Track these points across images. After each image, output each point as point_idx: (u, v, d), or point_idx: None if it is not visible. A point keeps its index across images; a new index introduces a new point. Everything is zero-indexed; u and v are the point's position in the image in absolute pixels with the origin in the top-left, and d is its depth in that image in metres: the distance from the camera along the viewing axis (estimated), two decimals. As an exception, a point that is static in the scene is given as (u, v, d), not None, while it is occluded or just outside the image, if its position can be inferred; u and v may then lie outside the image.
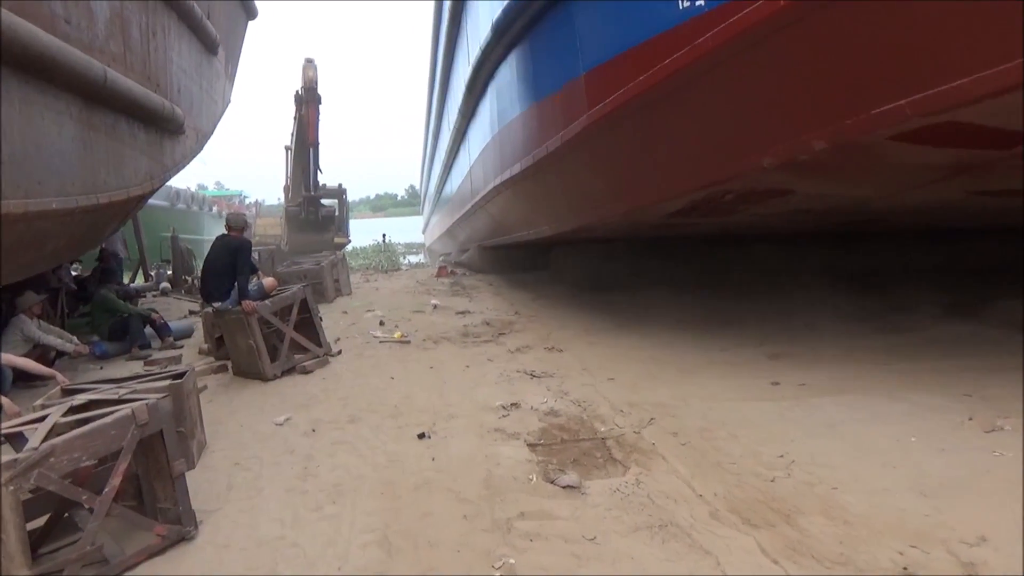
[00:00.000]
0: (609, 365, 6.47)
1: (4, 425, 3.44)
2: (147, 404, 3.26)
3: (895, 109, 4.63)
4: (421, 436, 4.58)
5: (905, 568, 2.77)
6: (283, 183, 28.50)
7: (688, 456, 4.07)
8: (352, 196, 29.99)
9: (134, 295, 11.54)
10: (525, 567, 2.92)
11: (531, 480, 3.77)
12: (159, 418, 3.30)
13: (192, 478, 3.88)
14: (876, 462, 3.83)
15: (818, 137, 5.24)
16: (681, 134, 6.25)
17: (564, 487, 3.68)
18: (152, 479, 3.43)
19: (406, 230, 49.60)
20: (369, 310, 10.67)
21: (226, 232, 7.10)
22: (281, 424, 5.09)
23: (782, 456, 3.97)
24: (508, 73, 9.35)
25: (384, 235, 29.76)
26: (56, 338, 7.24)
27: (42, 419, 3.32)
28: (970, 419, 4.31)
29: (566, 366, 6.51)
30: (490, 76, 10.34)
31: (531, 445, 4.41)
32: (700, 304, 9.74)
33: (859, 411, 4.68)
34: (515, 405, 5.23)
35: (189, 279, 16.33)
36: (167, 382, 4.36)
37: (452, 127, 16.01)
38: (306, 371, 6.71)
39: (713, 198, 6.90)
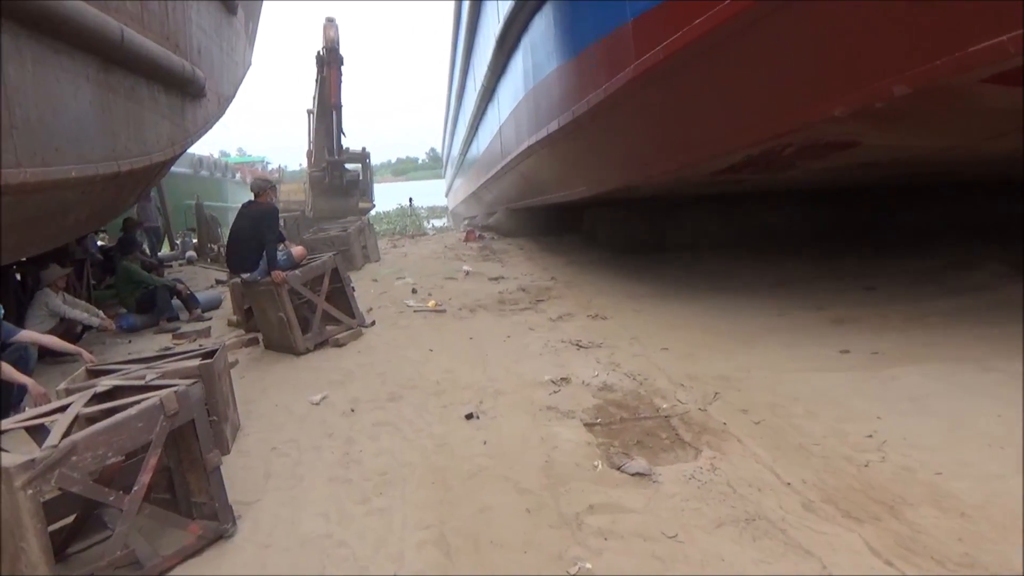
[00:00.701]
0: (659, 333, 6.09)
1: (24, 416, 3.16)
2: (176, 391, 2.96)
3: (995, 46, 4.13)
4: (469, 416, 4.26)
5: (1046, 574, 2.40)
6: (306, 148, 28.12)
7: (765, 437, 3.70)
8: (374, 160, 29.52)
9: (158, 265, 11.32)
10: (602, 570, 2.60)
11: (596, 467, 3.44)
12: (190, 406, 3.00)
13: (227, 465, 3.61)
14: (978, 442, 3.44)
15: (900, 81, 4.75)
16: (742, 82, 5.76)
17: (633, 474, 3.34)
18: (185, 472, 3.15)
19: (428, 194, 49.15)
20: (400, 277, 10.35)
21: (253, 199, 6.76)
22: (317, 403, 4.81)
23: (871, 436, 3.60)
24: (544, 24, 8.81)
25: (411, 199, 29.34)
26: (82, 312, 7.01)
27: (64, 408, 3.04)
28: (1077, 392, 3.88)
29: (613, 335, 6.15)
30: (524, 28, 9.79)
31: (588, 425, 4.08)
32: (745, 265, 9.30)
33: (944, 382, 4.27)
34: (565, 380, 4.89)
35: (215, 247, 16.13)
36: (197, 361, 4.08)
37: (479, 86, 15.46)
38: (339, 344, 6.42)
39: (771, 152, 6.43)
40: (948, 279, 7.43)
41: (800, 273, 8.59)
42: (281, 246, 6.66)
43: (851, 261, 9.12)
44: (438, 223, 33.23)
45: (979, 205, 11.30)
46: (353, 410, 4.62)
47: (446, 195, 43.72)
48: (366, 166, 27.42)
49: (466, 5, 16.88)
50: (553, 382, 4.86)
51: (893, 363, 4.74)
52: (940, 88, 4.73)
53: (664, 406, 4.27)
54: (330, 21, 22.73)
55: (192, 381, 3.17)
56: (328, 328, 6.66)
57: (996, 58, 4.21)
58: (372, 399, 4.79)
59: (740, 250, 10.53)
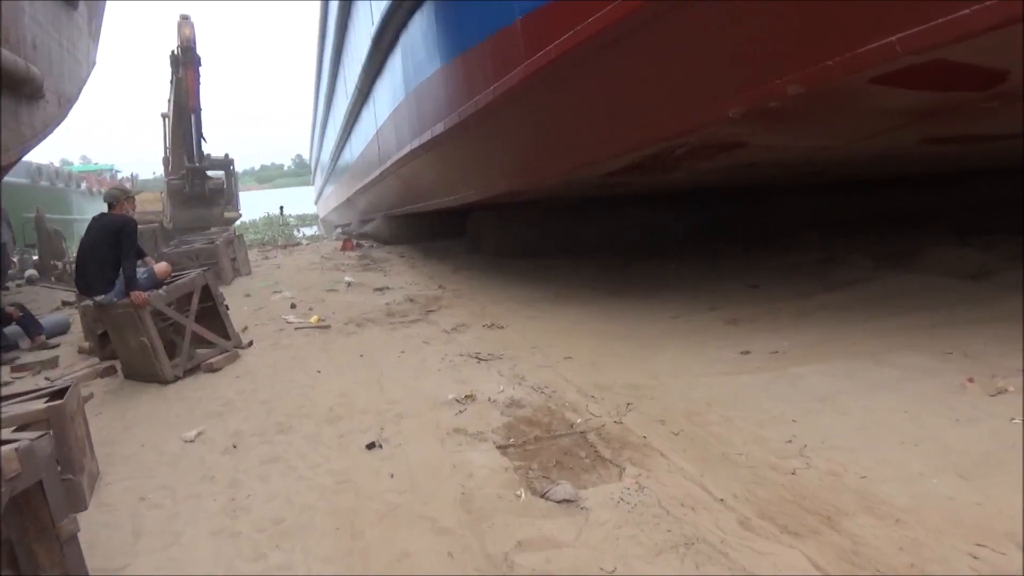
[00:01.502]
0: (560, 342, 5.91)
1: None
2: (18, 449, 2.41)
3: (884, 47, 4.22)
4: (371, 446, 3.86)
5: (994, 581, 2.35)
6: (162, 155, 26.17)
7: (688, 448, 3.56)
8: (237, 168, 27.86)
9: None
10: (543, 621, 2.32)
11: (519, 496, 3.15)
12: (36, 465, 2.45)
13: (86, 525, 3.03)
14: (893, 440, 3.44)
15: (794, 81, 4.79)
16: (638, 82, 5.69)
17: (560, 502, 3.09)
18: (32, 543, 2.58)
19: (297, 201, 47.41)
20: (276, 291, 9.68)
21: (106, 211, 5.99)
22: (192, 440, 4.24)
23: (790, 441, 3.53)
24: (425, 22, 8.47)
25: (281, 207, 27.99)
26: None
27: None
28: (971, 381, 4.01)
29: (513, 345, 5.91)
30: (402, 26, 9.40)
31: (502, 447, 3.80)
32: (630, 267, 9.37)
33: (848, 380, 4.32)
34: (469, 397, 4.58)
35: (60, 264, 14.58)
36: (43, 403, 3.46)
37: (352, 88, 14.86)
38: (214, 369, 5.80)
39: (664, 153, 6.42)
40: (822, 274, 7.75)
41: (684, 273, 8.73)
42: (140, 263, 5.95)
43: (729, 260, 9.39)
44: (309, 231, 31.99)
45: (837, 202, 12.03)
46: (236, 446, 4.10)
47: (316, 202, 42.23)
48: (230, 173, 25.87)
49: (333, 4, 16.22)
50: (457, 400, 4.54)
51: (794, 362, 4.77)
52: (831, 88, 4.82)
53: (578, 421, 4.06)
54: (185, 19, 21.25)
55: (39, 434, 2.61)
56: (200, 352, 6.02)
57: (886, 58, 4.31)
58: (258, 432, 4.28)
59: (624, 252, 10.64)
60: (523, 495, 3.16)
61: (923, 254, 8.12)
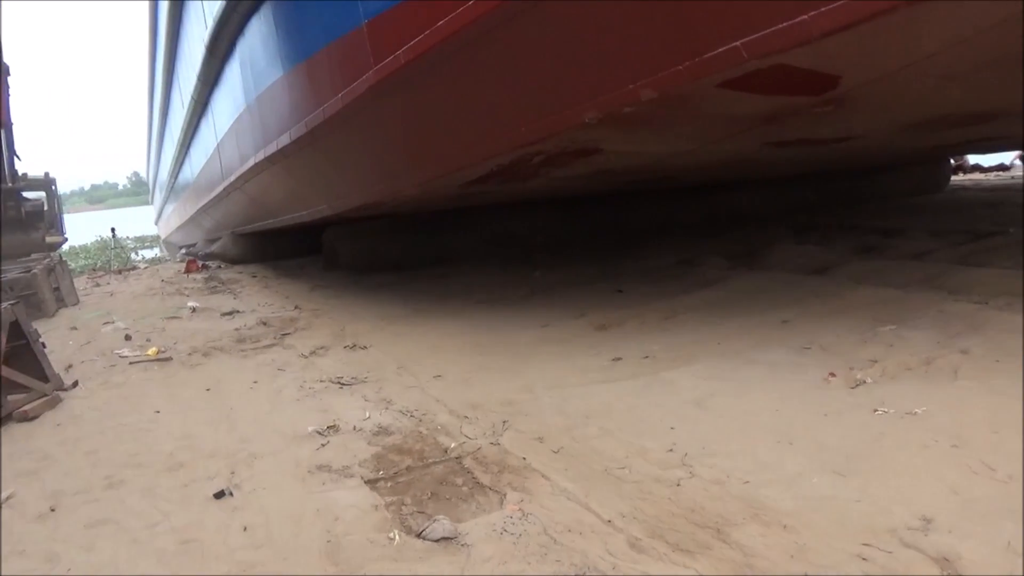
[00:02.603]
0: (427, 359, 5.62)
1: None
2: None
3: (730, 51, 4.31)
4: (220, 495, 3.39)
5: (886, 581, 2.31)
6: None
7: (569, 467, 3.38)
8: (63, 188, 25.37)
9: None
10: None
11: (392, 539, 2.83)
12: None
13: None
14: (769, 440, 3.44)
15: (646, 86, 4.81)
16: (492, 88, 5.53)
17: (438, 540, 2.80)
18: None
19: (134, 222, 44.14)
20: (107, 322, 8.68)
21: None
22: (-1, 506, 3.58)
23: (671, 450, 3.44)
24: (264, 27, 7.91)
25: (113, 229, 25.70)
26: None
27: None
28: (833, 375, 4.12)
29: (378, 366, 5.55)
30: (239, 31, 8.76)
31: (371, 482, 3.46)
32: (494, 278, 9.23)
33: (719, 380, 4.34)
34: (332, 428, 4.19)
35: None
36: None
37: (188, 99, 13.82)
38: (28, 417, 5.01)
39: (522, 161, 6.31)
40: (680, 276, 7.95)
41: (550, 280, 8.70)
42: (-71, 299, 5.07)
43: (590, 265, 9.48)
44: (149, 254, 29.68)
45: (686, 207, 12.55)
46: (54, 509, 3.47)
47: (156, 223, 39.39)
48: (51, 194, 23.40)
49: (163, 7, 15.06)
50: (319, 432, 4.14)
51: (665, 366, 4.76)
52: (681, 93, 4.87)
53: (452, 445, 3.79)
54: (-11, 23, 19.02)
55: None
56: (11, 398, 5.20)
57: (731, 63, 4.39)
58: (81, 489, 3.67)
59: (485, 262, 10.52)
60: (397, 537, 2.85)
61: (769, 252, 8.57)
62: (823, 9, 3.91)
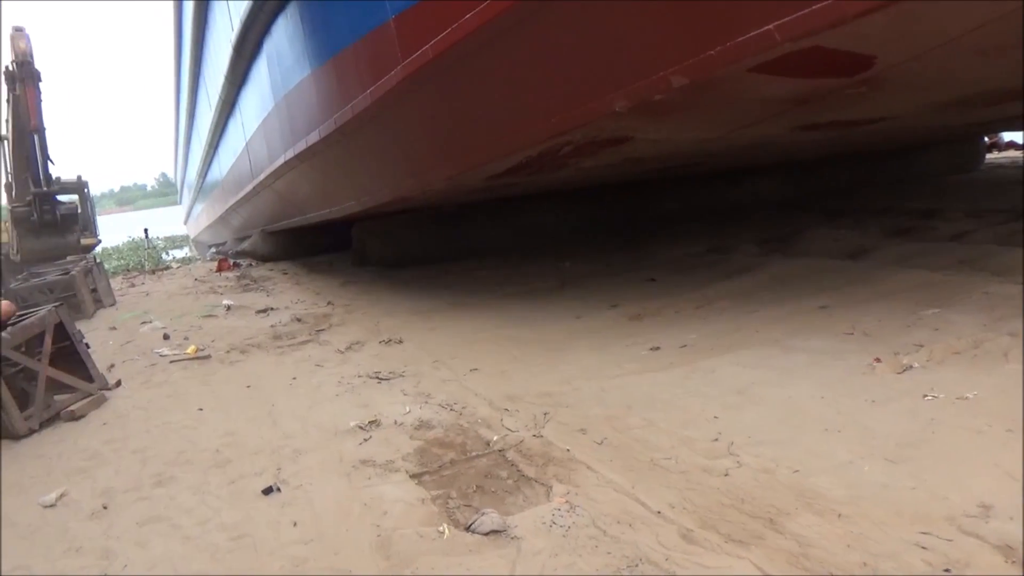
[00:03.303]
0: (463, 353, 5.64)
1: None
2: None
3: (763, 35, 4.24)
4: (268, 491, 3.43)
5: (947, 569, 2.27)
6: (3, 181, 23.78)
7: (614, 458, 3.37)
8: (94, 190, 25.71)
9: None
10: None
11: (442, 532, 2.85)
12: None
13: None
14: (816, 428, 3.40)
15: (678, 72, 4.75)
16: (521, 79, 5.51)
17: (487, 534, 2.81)
18: None
19: (163, 222, 44.77)
20: (145, 322, 8.83)
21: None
22: (53, 504, 3.65)
23: (717, 439, 3.42)
24: (291, 26, 7.95)
25: (145, 230, 26.10)
26: None
27: None
28: (878, 361, 4.05)
29: (414, 360, 5.57)
30: (265, 31, 8.81)
31: (416, 476, 3.48)
32: (523, 270, 9.21)
33: (759, 369, 4.29)
34: (374, 423, 4.22)
35: None
36: None
37: (216, 99, 13.96)
38: (76, 417, 5.12)
39: (551, 151, 6.28)
40: (713, 263, 7.87)
41: (579, 270, 8.67)
42: (-23, 304, 5.19)
43: (619, 255, 9.44)
44: (179, 254, 30.12)
45: (713, 194, 12.40)
46: (106, 507, 3.55)
47: (185, 223, 39.93)
48: (84, 196, 23.78)
49: (189, 7, 15.20)
50: (361, 427, 4.17)
51: (704, 354, 4.72)
52: (713, 78, 4.80)
53: (494, 438, 3.80)
54: (19, 31, 19.29)
55: None
56: (58, 399, 5.31)
57: (764, 47, 4.32)
58: (132, 487, 3.74)
59: (513, 254, 10.50)
60: (446, 531, 2.86)
61: (801, 238, 8.45)
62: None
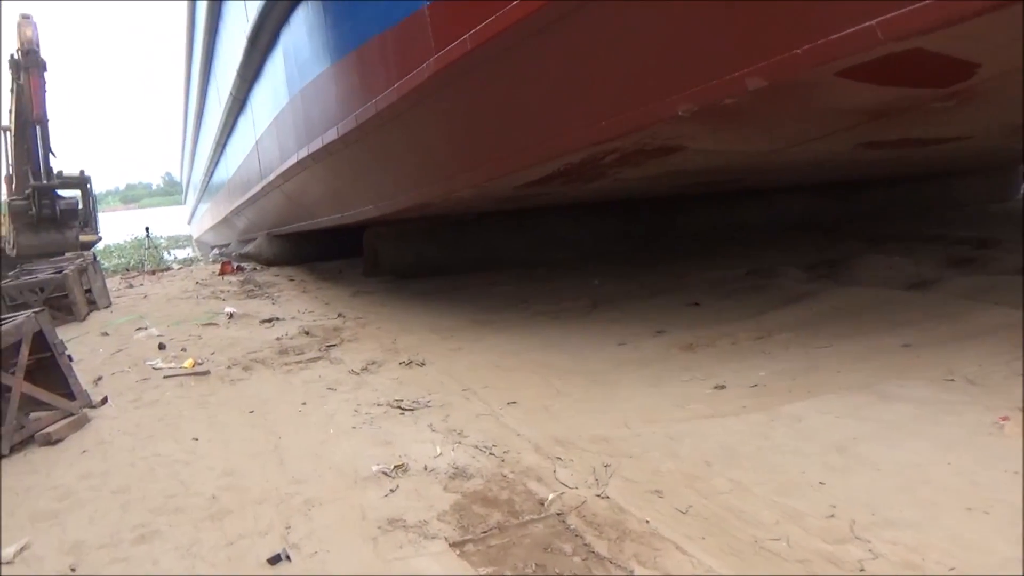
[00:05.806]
0: (495, 381, 5.00)
1: None
2: None
3: (862, 32, 3.62)
4: (275, 560, 2.78)
5: None
6: (3, 172, 23.20)
7: (707, 534, 2.72)
8: (98, 187, 25.21)
9: None
10: None
11: (504, 639, 2.21)
12: None
13: None
14: (955, 506, 2.75)
15: (755, 73, 4.14)
16: (570, 77, 4.91)
17: (563, 642, 2.17)
18: None
19: (166, 222, 44.26)
20: (140, 327, 8.19)
21: None
22: (11, 561, 3.00)
23: (832, 515, 2.77)
24: (311, 15, 7.35)
25: (147, 228, 25.52)
26: None
27: None
28: (1005, 419, 3.41)
29: (440, 387, 4.94)
30: (283, 22, 8.22)
31: (456, 544, 2.83)
32: (550, 286, 8.59)
33: (857, 420, 3.64)
34: (400, 468, 3.58)
35: None
36: None
37: (227, 96, 13.38)
38: (52, 440, 4.47)
39: (593, 160, 5.67)
40: (760, 288, 7.26)
41: (610, 289, 8.04)
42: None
43: (650, 273, 8.82)
44: (181, 254, 29.48)
45: (749, 210, 11.80)
46: (74, 569, 2.90)
47: (189, 223, 39.37)
48: (86, 192, 23.22)
49: (202, 4, 14.66)
50: (385, 473, 3.53)
51: (781, 398, 4.08)
52: (795, 82, 4.21)
53: (549, 496, 3.15)
54: (26, 18, 18.84)
55: None
56: (34, 416, 4.67)
57: (862, 46, 3.72)
58: (108, 542, 3.08)
59: (537, 268, 9.89)
60: (509, 636, 2.22)
61: (853, 264, 7.83)
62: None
